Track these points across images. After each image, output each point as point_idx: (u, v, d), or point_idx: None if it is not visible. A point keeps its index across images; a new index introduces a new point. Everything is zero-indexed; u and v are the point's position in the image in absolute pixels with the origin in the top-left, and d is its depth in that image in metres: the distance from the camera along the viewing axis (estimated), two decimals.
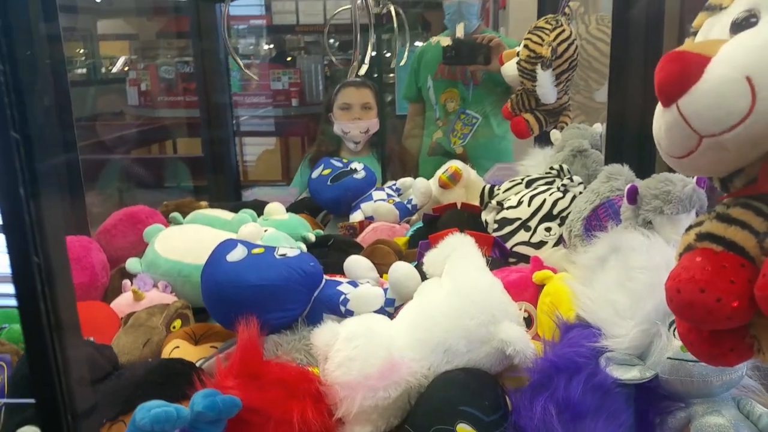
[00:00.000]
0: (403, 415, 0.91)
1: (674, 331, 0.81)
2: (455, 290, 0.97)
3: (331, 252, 1.49)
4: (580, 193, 1.29)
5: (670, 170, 1.04)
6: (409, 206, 1.78)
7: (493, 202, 1.43)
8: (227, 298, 1.01)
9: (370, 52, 1.21)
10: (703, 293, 0.49)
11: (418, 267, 1.13)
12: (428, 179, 1.82)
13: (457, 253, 1.04)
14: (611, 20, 1.40)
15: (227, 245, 1.07)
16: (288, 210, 1.72)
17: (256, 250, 1.07)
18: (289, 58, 4.96)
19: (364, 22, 1.07)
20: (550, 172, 1.43)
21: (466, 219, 1.48)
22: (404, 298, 1.09)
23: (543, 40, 1.58)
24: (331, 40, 4.69)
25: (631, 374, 0.82)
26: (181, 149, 4.86)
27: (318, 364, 0.94)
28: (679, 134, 0.51)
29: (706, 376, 0.78)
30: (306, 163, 2.46)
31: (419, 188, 1.78)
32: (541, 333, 1.04)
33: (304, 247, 1.45)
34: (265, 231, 1.43)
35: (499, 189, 1.48)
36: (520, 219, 1.34)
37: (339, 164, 1.88)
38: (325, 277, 1.14)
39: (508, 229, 1.34)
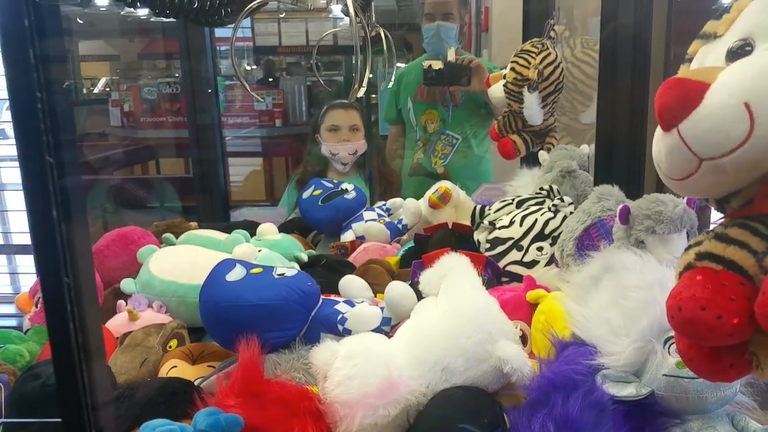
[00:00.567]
0: None
1: (669, 348, 0.83)
2: (452, 309, 0.99)
3: (323, 272, 1.49)
4: (571, 213, 1.31)
5: (659, 191, 1.07)
6: (399, 226, 1.79)
7: (485, 222, 1.45)
8: (227, 318, 1.01)
9: (368, 75, 1.23)
10: (704, 311, 0.51)
11: (413, 286, 1.14)
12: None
13: (453, 273, 1.06)
14: (598, 43, 1.43)
15: (226, 265, 1.07)
16: (279, 230, 1.73)
17: (254, 270, 1.08)
18: (271, 79, 4.98)
19: (355, 44, 1.09)
20: (540, 193, 1.45)
21: (458, 239, 1.49)
22: (400, 317, 1.10)
23: (529, 63, 1.62)
24: (311, 62, 4.74)
25: (627, 391, 0.83)
26: (164, 170, 4.83)
27: (317, 382, 0.94)
28: (679, 157, 0.53)
29: (702, 392, 0.79)
30: (293, 185, 2.47)
31: (409, 208, 1.80)
32: (536, 351, 1.06)
33: (297, 267, 1.46)
34: (259, 251, 1.44)
35: (490, 209, 1.50)
36: (512, 239, 1.36)
37: (329, 185, 1.90)
38: (321, 296, 1.15)
39: (500, 248, 1.36)
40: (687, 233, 1.01)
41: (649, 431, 0.84)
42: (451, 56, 2.28)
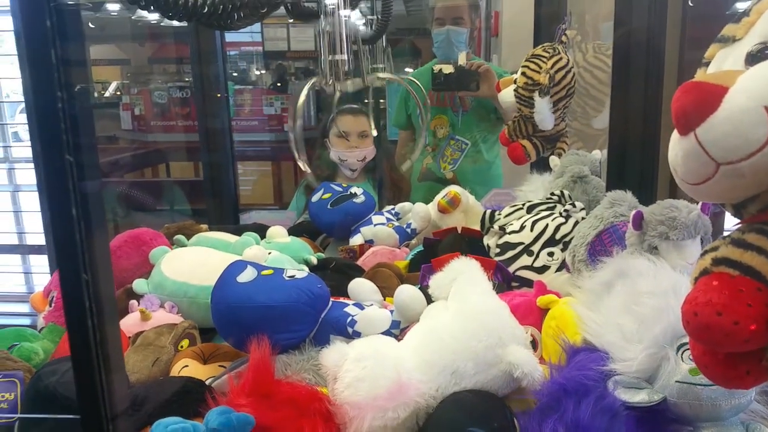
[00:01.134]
0: None
1: (682, 354, 0.82)
2: (462, 313, 0.99)
3: (332, 275, 1.49)
4: (583, 218, 1.31)
5: (672, 197, 1.07)
6: (408, 230, 1.79)
7: (495, 226, 1.45)
8: (238, 319, 1.02)
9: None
10: (720, 316, 0.51)
11: (422, 290, 1.14)
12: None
13: (463, 277, 1.05)
14: (612, 48, 1.43)
15: (237, 266, 1.08)
16: (288, 233, 1.73)
17: (265, 272, 1.08)
18: (279, 84, 5.01)
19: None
20: (551, 198, 1.45)
21: (467, 243, 1.49)
22: (410, 320, 1.10)
23: (541, 68, 1.62)
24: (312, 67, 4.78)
25: (639, 397, 0.83)
26: (174, 173, 4.86)
27: (327, 384, 0.94)
28: (696, 161, 0.53)
29: (715, 400, 0.79)
30: (302, 190, 2.47)
31: (418, 213, 1.80)
32: (547, 356, 1.05)
33: (306, 269, 1.46)
34: (269, 254, 1.44)
35: (500, 214, 1.50)
36: (522, 244, 1.35)
37: (339, 188, 1.90)
38: (331, 299, 1.15)
39: (510, 253, 1.36)
40: (701, 239, 1.01)
41: None
42: (462, 60, 2.28)
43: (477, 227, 1.56)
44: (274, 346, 0.97)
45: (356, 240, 1.79)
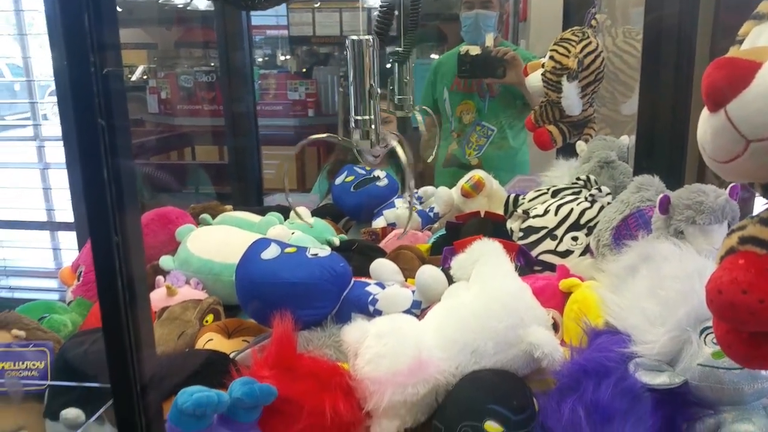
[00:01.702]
0: (430, 412, 0.93)
1: (705, 338, 0.81)
2: (484, 293, 0.99)
3: (355, 256, 1.50)
4: (608, 203, 1.30)
5: (700, 181, 1.05)
6: (431, 214, 1.80)
7: (519, 210, 1.45)
8: (261, 294, 1.03)
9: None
10: (745, 294, 0.50)
11: (444, 272, 1.14)
12: None
13: (486, 258, 1.06)
14: (642, 33, 1.41)
15: (261, 244, 1.09)
16: (311, 215, 1.74)
17: (288, 250, 1.09)
18: (304, 69, 5.01)
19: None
20: (576, 183, 1.44)
21: (490, 227, 1.49)
22: (431, 300, 1.10)
23: (569, 52, 1.59)
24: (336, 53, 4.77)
25: (660, 380, 0.82)
26: (199, 156, 4.91)
27: (348, 359, 0.96)
28: (725, 138, 0.52)
29: (738, 383, 0.78)
30: (324, 174, 2.49)
31: (441, 197, 1.80)
32: (568, 339, 1.05)
33: (329, 249, 1.47)
34: (292, 233, 1.45)
35: (524, 198, 1.49)
36: (546, 228, 1.35)
37: (362, 171, 1.91)
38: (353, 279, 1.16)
39: (533, 237, 1.36)
40: (728, 225, 1.00)
41: (680, 420, 0.83)
42: (489, 42, 2.26)
43: (500, 212, 1.56)
44: (297, 322, 0.98)
45: (379, 223, 1.80)
